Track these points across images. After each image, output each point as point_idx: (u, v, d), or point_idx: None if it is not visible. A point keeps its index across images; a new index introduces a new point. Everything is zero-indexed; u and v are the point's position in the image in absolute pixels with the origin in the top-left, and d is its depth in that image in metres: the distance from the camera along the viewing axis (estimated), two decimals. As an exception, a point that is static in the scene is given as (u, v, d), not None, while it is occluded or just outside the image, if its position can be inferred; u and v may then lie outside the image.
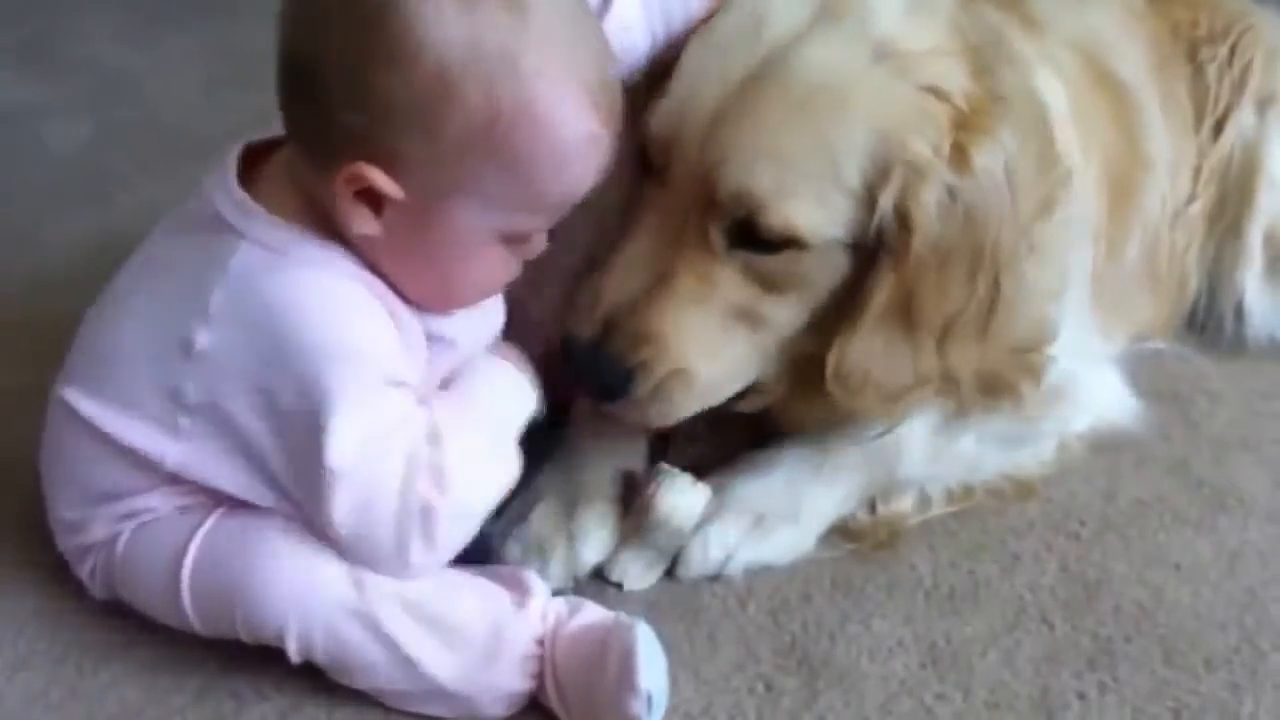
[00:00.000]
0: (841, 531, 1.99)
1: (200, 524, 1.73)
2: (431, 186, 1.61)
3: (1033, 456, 2.10)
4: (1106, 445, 2.17)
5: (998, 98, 1.78)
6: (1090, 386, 2.17)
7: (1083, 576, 1.94)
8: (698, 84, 1.77)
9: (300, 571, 1.69)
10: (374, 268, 1.68)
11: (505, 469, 1.77)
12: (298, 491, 1.67)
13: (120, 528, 1.78)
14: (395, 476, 1.64)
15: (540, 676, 1.72)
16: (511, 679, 1.71)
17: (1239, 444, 2.22)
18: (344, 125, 1.59)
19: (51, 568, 1.89)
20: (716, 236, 1.75)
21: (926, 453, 1.99)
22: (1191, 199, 2.49)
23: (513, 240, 1.70)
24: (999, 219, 1.75)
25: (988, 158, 1.73)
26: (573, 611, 1.75)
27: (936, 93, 1.74)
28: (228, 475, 1.69)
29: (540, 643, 1.72)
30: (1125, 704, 1.74)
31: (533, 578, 1.79)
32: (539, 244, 1.75)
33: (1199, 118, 2.51)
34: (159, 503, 1.75)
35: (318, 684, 1.75)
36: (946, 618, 1.87)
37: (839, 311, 1.79)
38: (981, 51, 1.82)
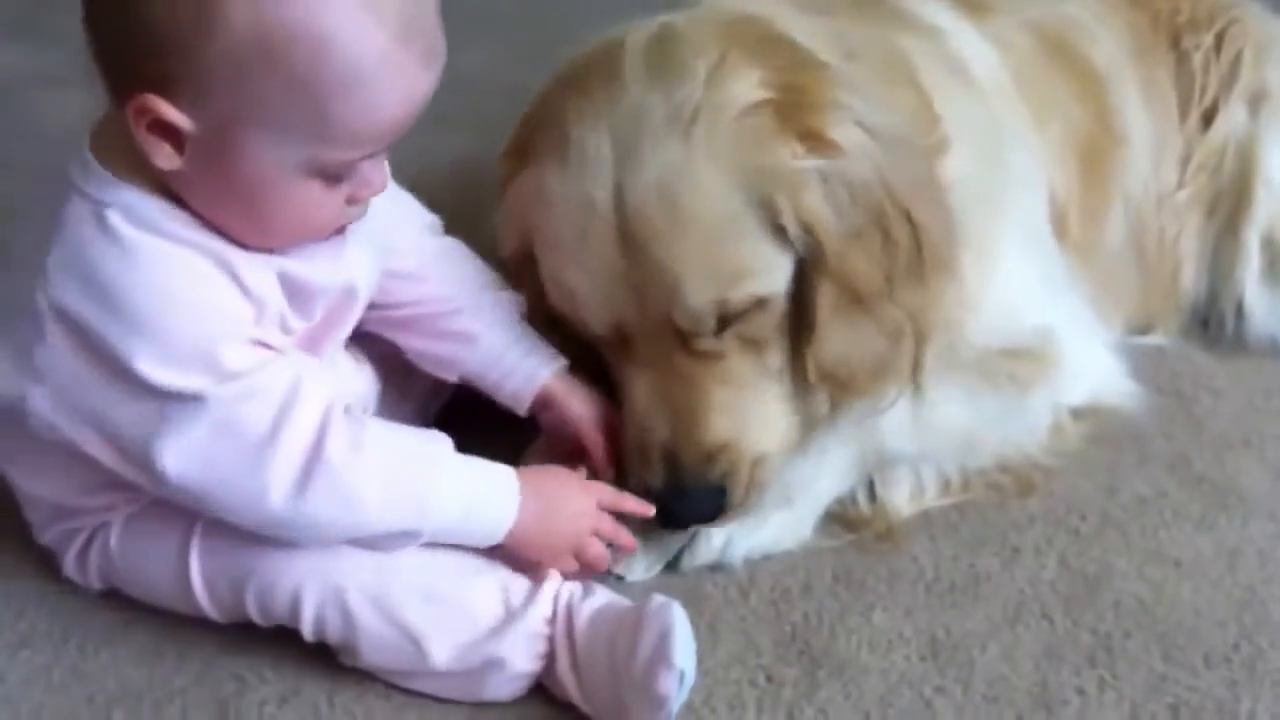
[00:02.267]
0: (841, 521, 2.00)
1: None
2: (217, 115, 1.56)
3: (1027, 433, 2.10)
4: (1108, 440, 2.17)
5: (809, 63, 1.85)
6: (1078, 353, 2.17)
7: (1083, 572, 1.94)
8: (590, 278, 1.83)
9: (312, 552, 1.70)
10: (196, 210, 1.65)
11: (418, 517, 1.69)
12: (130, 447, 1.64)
13: (107, 517, 1.80)
14: (261, 420, 1.62)
15: (549, 658, 1.72)
16: (518, 659, 1.71)
17: (1241, 441, 2.22)
18: (114, 50, 1.58)
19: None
20: (709, 342, 1.83)
21: (910, 422, 1.98)
22: (1180, 186, 2.50)
23: (327, 175, 1.64)
24: (882, 169, 1.81)
25: (841, 127, 1.80)
26: (587, 594, 1.75)
27: (749, 109, 1.78)
28: (81, 438, 1.66)
29: (549, 623, 1.72)
30: (1124, 700, 1.74)
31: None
32: (374, 180, 1.70)
33: (1184, 105, 2.52)
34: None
35: (319, 667, 1.76)
36: (947, 611, 1.87)
37: (799, 317, 1.85)
38: (745, 33, 1.87)
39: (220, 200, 1.64)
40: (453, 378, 1.99)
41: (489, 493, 1.74)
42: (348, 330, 1.85)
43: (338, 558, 1.70)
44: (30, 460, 1.79)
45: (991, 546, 1.98)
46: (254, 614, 1.75)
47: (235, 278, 1.65)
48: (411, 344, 1.99)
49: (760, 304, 1.82)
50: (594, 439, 1.96)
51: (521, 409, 1.98)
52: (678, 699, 1.65)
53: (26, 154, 3.10)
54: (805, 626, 1.84)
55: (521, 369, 1.97)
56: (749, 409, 1.86)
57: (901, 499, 2.02)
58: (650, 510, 1.85)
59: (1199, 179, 2.50)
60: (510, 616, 1.71)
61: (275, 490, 1.62)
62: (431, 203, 2.11)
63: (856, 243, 1.80)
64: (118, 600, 1.85)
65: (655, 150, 1.78)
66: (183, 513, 1.73)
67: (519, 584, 1.74)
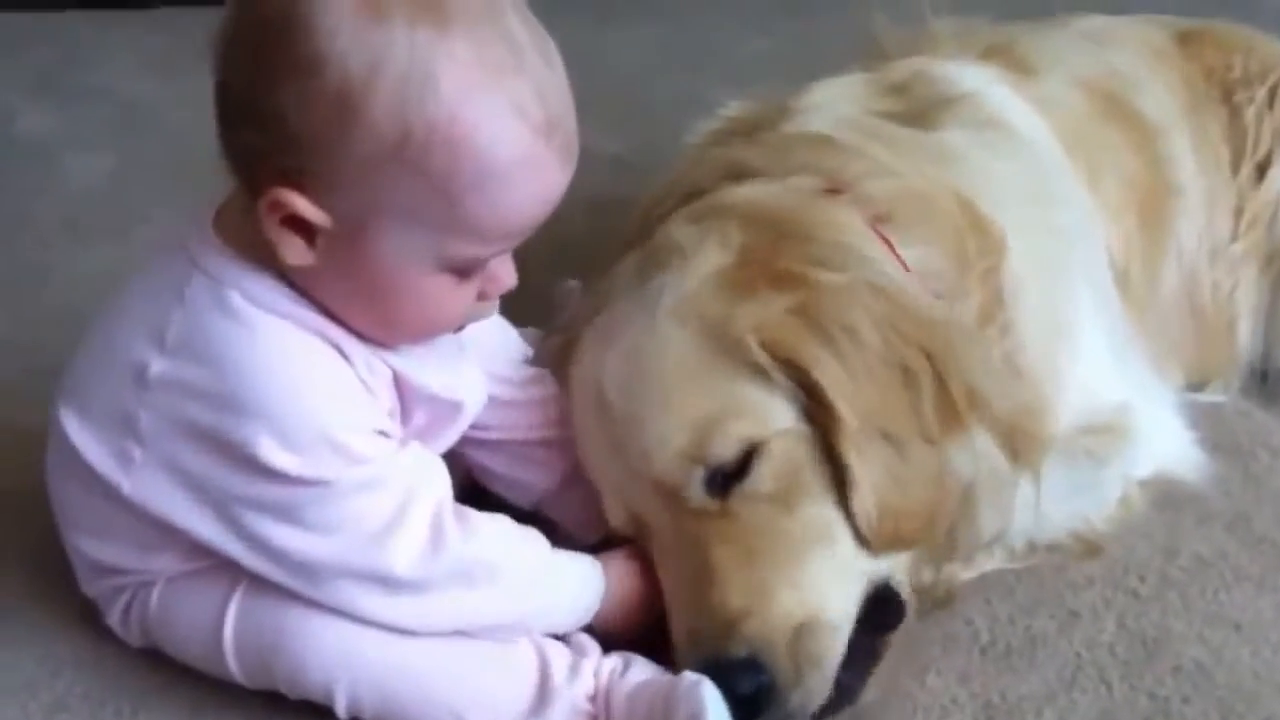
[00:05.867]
0: (900, 589, 1.94)
1: (237, 581, 1.71)
2: (352, 209, 1.56)
3: (1097, 506, 2.06)
4: (1167, 501, 2.13)
5: (791, 219, 1.86)
6: (1151, 424, 2.14)
7: (1141, 634, 1.90)
8: (596, 464, 1.84)
9: (346, 629, 1.67)
10: (319, 301, 1.64)
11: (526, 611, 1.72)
12: (246, 527, 1.64)
13: (154, 577, 1.77)
14: (383, 510, 1.62)
15: None
16: None
17: (1301, 500, 2.18)
18: (249, 145, 1.57)
19: (88, 609, 1.87)
20: (713, 504, 1.73)
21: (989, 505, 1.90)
22: (1234, 238, 2.49)
23: (459, 270, 1.63)
24: (876, 304, 1.77)
25: (813, 266, 1.78)
26: (626, 667, 1.72)
27: (715, 272, 1.79)
28: (180, 510, 1.66)
29: (592, 699, 1.69)
30: (1183, 767, 1.71)
31: (585, 637, 1.76)
32: (503, 276, 1.69)
33: (1237, 159, 2.51)
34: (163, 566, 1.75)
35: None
36: (1003, 675, 1.84)
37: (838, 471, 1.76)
38: (777, 223, 1.86)
39: (348, 294, 1.63)
40: (525, 504, 1.97)
41: (586, 570, 1.76)
42: (445, 445, 1.83)
43: (368, 641, 1.68)
44: (95, 525, 1.76)
45: (1048, 609, 1.94)
46: (284, 688, 1.72)
47: (353, 367, 1.66)
48: (493, 465, 1.97)
49: (758, 451, 1.73)
50: None
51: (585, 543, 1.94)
52: None
53: (51, 211, 3.13)
54: (858, 691, 1.80)
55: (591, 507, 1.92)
56: (774, 570, 1.71)
57: (964, 570, 1.96)
58: None
59: (1253, 233, 2.49)
60: (553, 692, 1.68)
61: (399, 569, 1.63)
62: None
63: (867, 379, 1.74)
64: (155, 661, 1.82)
65: (628, 327, 1.80)
66: (222, 580, 1.72)
67: (560, 659, 1.71)
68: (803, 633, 1.69)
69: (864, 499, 1.73)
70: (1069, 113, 2.31)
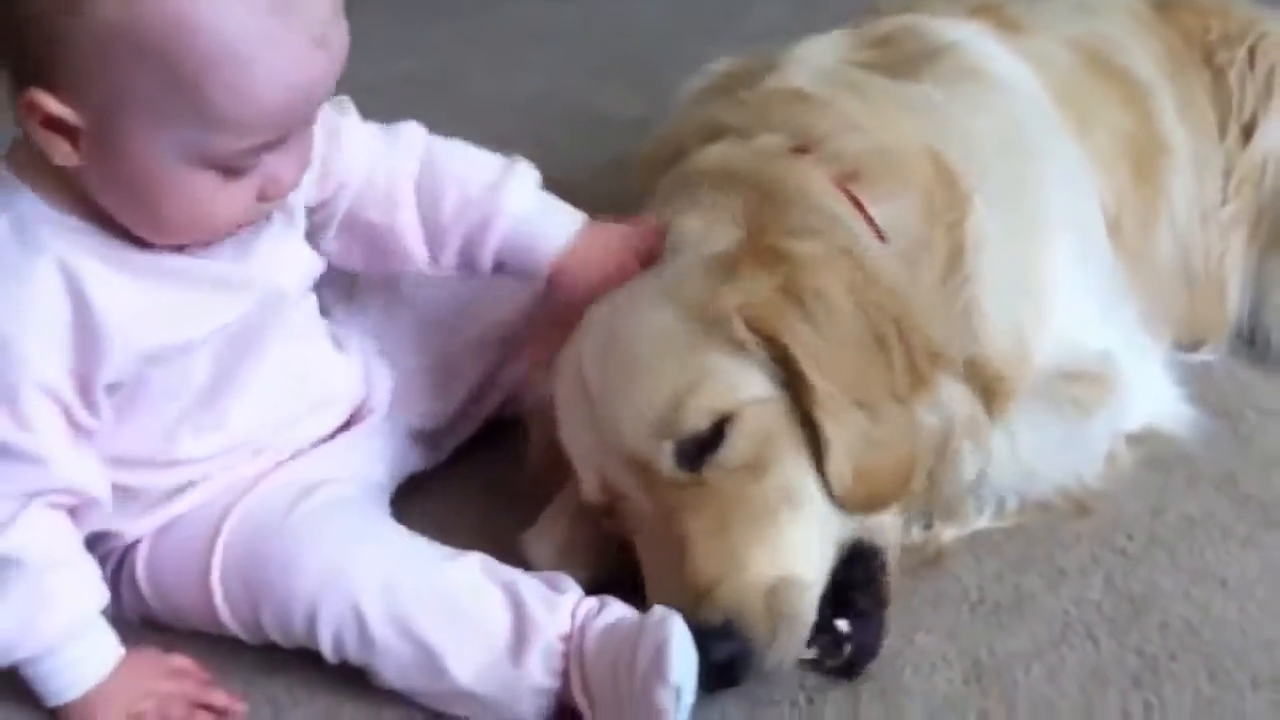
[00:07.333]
0: (891, 548, 1.95)
1: (222, 520, 1.76)
2: (99, 104, 1.56)
3: (1086, 462, 2.07)
4: (1156, 460, 2.13)
5: (781, 193, 1.88)
6: (1137, 376, 2.14)
7: (1129, 592, 1.92)
8: (571, 435, 1.86)
9: (328, 563, 1.71)
10: (97, 206, 1.65)
11: None
12: None
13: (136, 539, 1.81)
14: None
15: (567, 673, 1.70)
16: (538, 676, 1.69)
17: (1288, 459, 2.18)
18: (5, 51, 1.59)
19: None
20: (685, 475, 1.74)
21: (969, 446, 1.93)
22: (1223, 202, 2.49)
23: (221, 167, 1.63)
24: (852, 276, 1.79)
25: (797, 241, 1.80)
26: (602, 607, 1.73)
27: (712, 256, 1.81)
28: None
29: (566, 639, 1.70)
30: (1170, 722, 1.72)
31: (564, 577, 1.77)
32: (283, 175, 1.69)
33: (1223, 121, 2.51)
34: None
35: (354, 691, 1.76)
36: (991, 632, 1.85)
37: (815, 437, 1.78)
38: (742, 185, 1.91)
39: (119, 197, 1.65)
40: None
41: (95, 639, 1.71)
42: (287, 330, 1.86)
43: (349, 575, 1.71)
44: None
45: (1037, 566, 1.96)
46: (274, 634, 1.75)
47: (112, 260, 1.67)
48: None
49: (730, 422, 1.74)
50: None
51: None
52: (677, 715, 1.62)
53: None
54: (847, 648, 1.82)
55: None
56: (746, 534, 1.72)
57: (955, 527, 1.98)
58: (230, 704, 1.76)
59: (1242, 194, 2.49)
60: (531, 631, 1.70)
61: None
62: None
63: (839, 347, 1.76)
64: (152, 627, 1.85)
65: (614, 312, 1.83)
66: (207, 522, 1.76)
67: (536, 599, 1.72)
68: (777, 590, 1.70)
69: (838, 463, 1.74)
70: (1058, 67, 2.31)
